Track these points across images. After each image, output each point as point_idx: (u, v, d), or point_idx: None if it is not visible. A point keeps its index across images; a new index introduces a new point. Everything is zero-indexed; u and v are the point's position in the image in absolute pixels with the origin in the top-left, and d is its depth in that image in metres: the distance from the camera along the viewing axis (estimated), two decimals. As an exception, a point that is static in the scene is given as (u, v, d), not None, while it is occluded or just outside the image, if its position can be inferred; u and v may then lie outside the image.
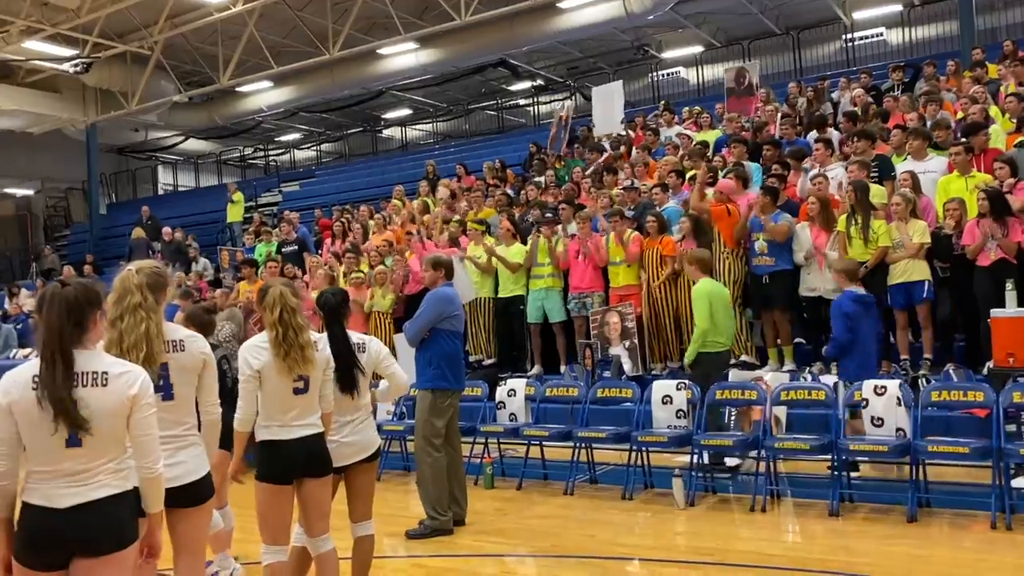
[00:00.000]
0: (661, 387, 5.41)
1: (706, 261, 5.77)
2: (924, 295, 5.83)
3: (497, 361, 7.82)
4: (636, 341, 6.93)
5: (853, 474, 5.06)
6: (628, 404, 5.67)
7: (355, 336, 3.46)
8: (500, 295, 7.77)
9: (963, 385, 4.94)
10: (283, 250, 10.20)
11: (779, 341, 6.54)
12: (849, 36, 16.98)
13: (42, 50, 14.12)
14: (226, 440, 3.04)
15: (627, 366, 6.92)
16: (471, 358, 7.84)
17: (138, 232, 13.34)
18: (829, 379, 5.85)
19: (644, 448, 5.35)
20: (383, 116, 22.69)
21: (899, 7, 16.48)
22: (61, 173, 19.75)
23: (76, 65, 14.08)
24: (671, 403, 5.30)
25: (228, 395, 3.02)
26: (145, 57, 14.96)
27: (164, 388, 2.57)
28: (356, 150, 23.46)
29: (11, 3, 12.72)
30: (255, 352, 3.04)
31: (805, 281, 6.34)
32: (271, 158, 24.01)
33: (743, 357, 6.61)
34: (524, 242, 7.78)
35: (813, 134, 8.19)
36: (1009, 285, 5.38)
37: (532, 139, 12.81)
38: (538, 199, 9.03)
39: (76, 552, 2.12)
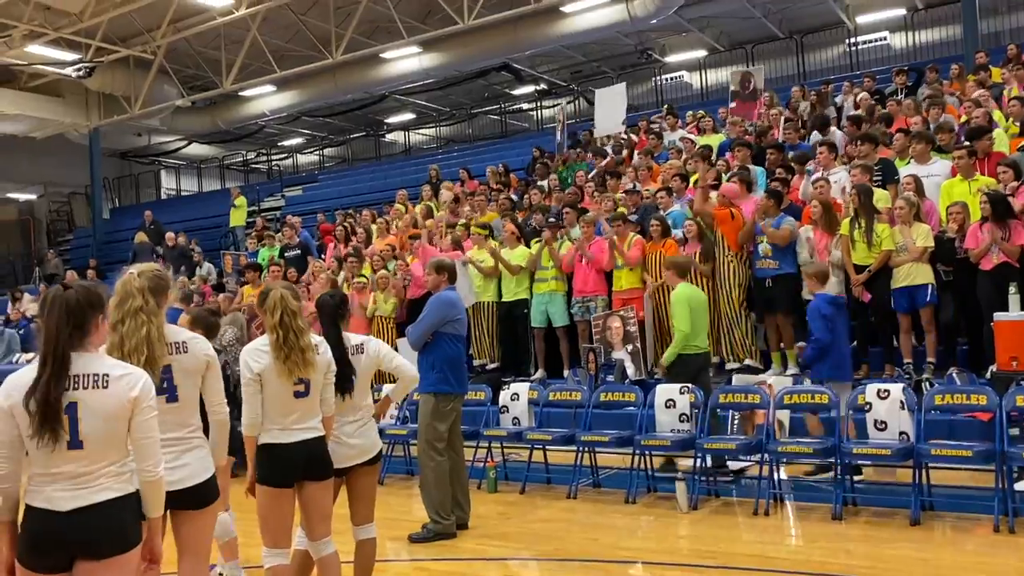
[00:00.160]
0: (664, 391, 5.41)
1: (683, 266, 5.87)
2: (927, 299, 5.83)
3: (501, 365, 7.82)
4: (639, 345, 6.94)
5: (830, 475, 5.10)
6: (631, 408, 5.67)
7: (355, 337, 3.46)
8: (504, 299, 7.78)
9: (966, 389, 4.94)
10: (286, 254, 10.23)
11: (782, 345, 6.53)
12: (853, 40, 16.98)
13: (45, 54, 14.17)
14: (229, 444, 3.05)
15: (630, 370, 6.92)
16: (475, 362, 7.85)
17: (141, 237, 13.38)
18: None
19: (647, 452, 5.35)
20: (386, 120, 22.74)
21: (902, 11, 16.49)
22: (64, 177, 19.81)
23: (79, 69, 14.14)
24: (674, 407, 5.30)
25: (231, 399, 3.02)
26: (148, 61, 15.01)
27: (168, 390, 2.58)
28: (359, 154, 23.50)
29: (14, 7, 12.76)
30: (256, 355, 3.04)
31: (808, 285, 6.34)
32: (274, 162, 24.07)
33: (747, 361, 6.61)
34: (528, 245, 7.79)
35: (816, 136, 8.20)
36: (1012, 289, 5.38)
37: (535, 143, 12.84)
38: (541, 203, 9.05)
39: (78, 555, 2.12)
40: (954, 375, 5.60)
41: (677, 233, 7.08)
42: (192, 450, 2.61)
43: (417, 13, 14.23)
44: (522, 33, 13.58)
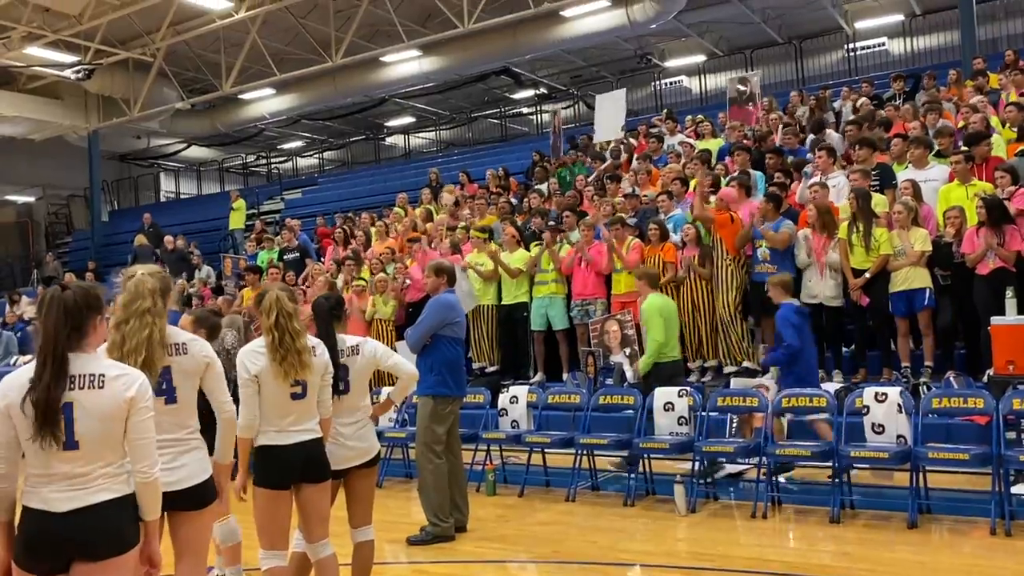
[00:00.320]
0: (663, 394, 5.42)
1: (654, 277, 6.02)
2: (925, 303, 5.85)
3: (500, 368, 7.83)
4: (637, 348, 6.95)
5: (783, 476, 5.19)
6: (630, 411, 5.68)
7: (351, 339, 3.45)
8: (503, 302, 7.79)
9: (963, 392, 4.95)
10: (285, 257, 10.24)
11: (780, 348, 6.54)
12: (851, 46, 17.06)
13: (44, 56, 14.16)
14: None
15: (629, 373, 6.91)
16: (474, 365, 7.85)
17: (141, 239, 13.38)
18: (831, 386, 5.87)
19: (646, 455, 5.36)
20: (386, 124, 22.77)
21: (901, 17, 16.57)
22: (63, 180, 19.80)
23: (78, 71, 14.15)
24: (673, 410, 5.31)
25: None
26: (147, 64, 15.02)
27: (167, 391, 2.58)
28: (359, 158, 23.52)
29: (12, 9, 12.75)
30: (253, 357, 3.04)
31: (806, 288, 6.36)
32: (273, 166, 24.09)
33: (745, 364, 6.62)
34: (527, 249, 7.80)
35: (812, 139, 8.25)
36: (1009, 293, 5.40)
37: (535, 147, 12.86)
38: (540, 207, 9.07)
39: (75, 556, 2.11)
40: (951, 379, 5.62)
41: (675, 237, 7.10)
42: (190, 451, 2.61)
43: (417, 17, 14.26)
44: (522, 37, 13.62)
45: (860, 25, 16.89)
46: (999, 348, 5.20)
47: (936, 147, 6.99)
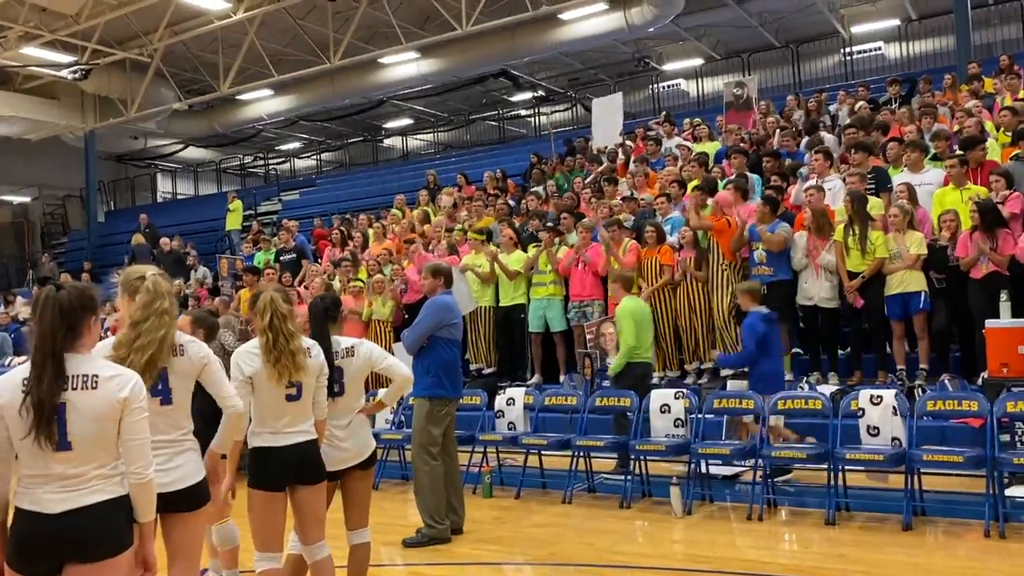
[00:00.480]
0: (659, 396, 5.43)
1: (628, 280, 6.12)
2: (920, 306, 5.88)
3: (497, 370, 7.83)
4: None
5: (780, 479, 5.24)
6: (627, 413, 5.69)
7: (345, 341, 3.43)
8: (501, 304, 7.80)
9: (958, 395, 4.97)
10: (281, 258, 10.23)
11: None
12: (848, 50, 17.14)
13: (40, 56, 14.14)
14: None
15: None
16: (471, 366, 7.86)
17: (139, 238, 13.36)
18: (826, 388, 5.89)
19: (642, 457, 5.37)
20: (384, 125, 22.77)
21: (897, 22, 16.66)
22: (59, 180, 19.75)
23: (75, 72, 14.12)
24: (669, 412, 5.32)
25: None
26: (145, 64, 15.01)
27: (163, 392, 2.58)
28: (357, 159, 23.52)
29: (9, 9, 12.72)
30: (247, 358, 3.02)
31: (802, 290, 6.39)
32: (271, 167, 24.07)
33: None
34: (525, 251, 7.81)
35: (806, 141, 8.28)
36: (1003, 296, 5.42)
37: (533, 149, 12.89)
38: (537, 209, 9.08)
39: (68, 558, 2.10)
40: (946, 381, 5.64)
41: (673, 239, 7.12)
42: (184, 452, 2.60)
43: (415, 19, 14.28)
44: (520, 40, 13.64)
45: (856, 29, 16.97)
46: (993, 351, 5.22)
47: (932, 151, 7.02)
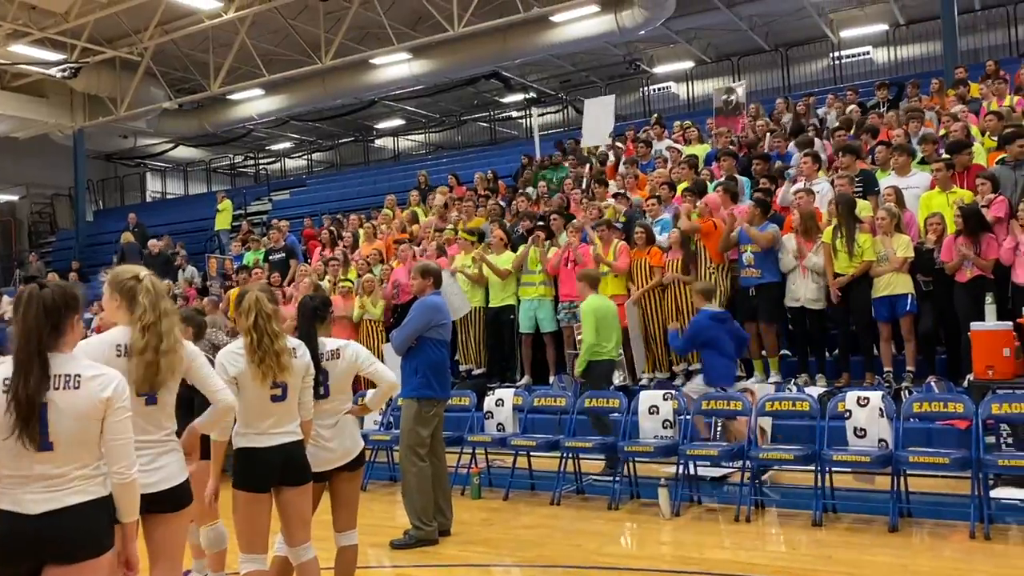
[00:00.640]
0: (648, 397, 5.44)
1: (595, 279, 6.23)
2: (907, 308, 5.92)
3: (487, 371, 7.82)
4: (622, 351, 6.97)
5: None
6: (615, 415, 5.70)
7: (331, 342, 3.39)
8: (491, 304, 7.79)
9: (944, 397, 5.01)
10: (271, 257, 10.18)
11: (764, 353, 6.59)
12: (836, 54, 17.28)
13: (29, 54, 14.01)
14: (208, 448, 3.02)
15: (615, 376, 6.94)
16: (461, 367, 7.84)
17: (127, 236, 13.25)
18: (814, 390, 5.92)
19: (630, 458, 5.37)
20: (375, 126, 22.73)
21: (885, 27, 16.81)
22: (47, 179, 19.57)
23: (64, 70, 14.00)
24: (657, 413, 5.33)
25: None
26: (135, 63, 14.90)
27: (148, 392, 2.56)
28: (348, 160, 23.45)
29: (-1, 7, 12.67)
30: (232, 358, 3.00)
31: (790, 292, 6.42)
32: (261, 167, 23.96)
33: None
34: (516, 251, 7.80)
35: (792, 143, 8.33)
36: (988, 299, 5.47)
37: (524, 151, 12.89)
38: (527, 210, 9.08)
39: (49, 559, 2.07)
40: (932, 383, 5.68)
41: (662, 238, 7.14)
42: (168, 452, 2.58)
43: (407, 20, 14.26)
44: (511, 42, 13.65)
45: (845, 34, 17.11)
46: (979, 353, 5.27)
47: (919, 154, 7.08)
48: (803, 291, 6.31)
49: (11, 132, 17.01)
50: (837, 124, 8.78)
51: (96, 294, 2.63)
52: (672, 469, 5.27)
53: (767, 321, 6.48)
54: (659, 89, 19.38)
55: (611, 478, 5.36)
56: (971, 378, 5.42)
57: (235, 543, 3.12)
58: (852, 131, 8.29)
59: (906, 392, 5.65)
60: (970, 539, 4.18)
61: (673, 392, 5.47)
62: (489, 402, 6.04)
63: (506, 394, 6.06)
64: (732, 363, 5.90)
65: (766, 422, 5.49)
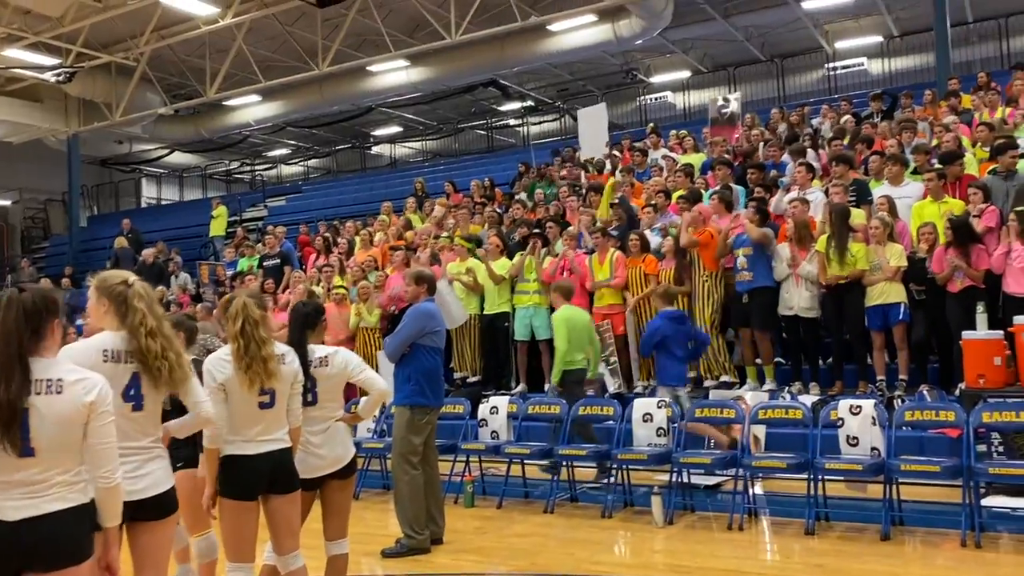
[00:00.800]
0: (642, 405, 5.44)
1: (568, 289, 6.30)
2: (900, 317, 5.94)
3: (482, 378, 7.80)
4: (616, 359, 6.97)
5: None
6: (610, 422, 5.69)
7: (321, 349, 3.36)
8: (486, 312, 7.78)
9: (935, 405, 5.02)
10: (265, 264, 10.15)
11: (758, 360, 6.61)
12: (831, 65, 17.43)
13: (23, 58, 13.99)
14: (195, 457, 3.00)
15: (610, 384, 6.95)
16: (456, 375, 7.83)
17: (121, 241, 13.21)
18: (808, 399, 5.93)
19: (624, 466, 5.36)
20: (372, 133, 22.76)
21: (879, 38, 16.97)
22: (40, 184, 19.51)
23: (58, 75, 13.98)
24: (651, 421, 5.33)
25: None
26: (130, 68, 14.90)
27: (135, 398, 2.53)
28: (344, 166, 23.47)
29: (-8, 11, 12.65)
30: (219, 365, 2.97)
31: (783, 300, 6.44)
32: (258, 173, 23.94)
33: (723, 377, 6.67)
34: (512, 258, 7.81)
35: (786, 151, 8.38)
36: (980, 308, 5.50)
37: (522, 159, 12.93)
38: (523, 217, 9.09)
39: (27, 567, 2.05)
40: (925, 392, 5.70)
41: (656, 241, 7.15)
42: (154, 459, 2.56)
43: (405, 27, 14.32)
44: (509, 50, 13.72)
45: (840, 45, 17.25)
46: (970, 362, 5.28)
47: (912, 164, 7.13)
48: (797, 299, 6.33)
49: (5, 137, 16.96)
50: (832, 134, 8.84)
51: (81, 301, 2.63)
52: (665, 477, 5.27)
53: (761, 328, 6.49)
54: (655, 98, 19.49)
55: (601, 484, 5.33)
56: (963, 387, 5.44)
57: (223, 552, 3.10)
58: (846, 141, 8.35)
59: (899, 400, 5.66)
60: (961, 547, 4.18)
61: (667, 400, 5.46)
62: (483, 410, 6.02)
63: (501, 402, 6.05)
64: (683, 364, 6.05)
65: (759, 430, 5.49)
